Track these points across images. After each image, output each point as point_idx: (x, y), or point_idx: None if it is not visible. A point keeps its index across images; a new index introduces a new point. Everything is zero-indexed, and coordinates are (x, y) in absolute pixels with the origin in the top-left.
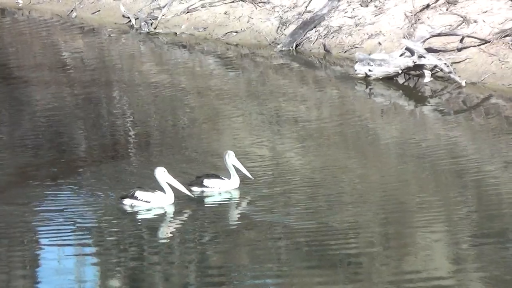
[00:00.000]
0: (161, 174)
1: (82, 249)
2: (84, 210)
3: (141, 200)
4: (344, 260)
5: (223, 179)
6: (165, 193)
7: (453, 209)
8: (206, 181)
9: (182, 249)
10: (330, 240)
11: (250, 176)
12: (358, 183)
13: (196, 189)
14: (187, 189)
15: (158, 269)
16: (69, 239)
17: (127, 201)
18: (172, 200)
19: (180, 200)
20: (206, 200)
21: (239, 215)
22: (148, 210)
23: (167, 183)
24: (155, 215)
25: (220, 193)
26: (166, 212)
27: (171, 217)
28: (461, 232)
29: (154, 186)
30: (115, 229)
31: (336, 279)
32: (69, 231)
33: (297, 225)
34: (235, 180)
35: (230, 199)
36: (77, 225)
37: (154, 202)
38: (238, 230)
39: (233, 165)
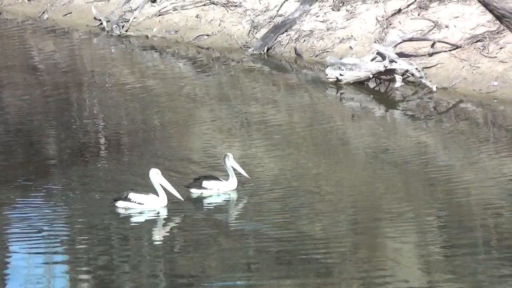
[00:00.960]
0: (155, 175)
1: (50, 257)
2: (53, 216)
3: (135, 202)
4: (314, 269)
5: (221, 180)
6: (158, 195)
7: (424, 217)
8: (205, 183)
9: (152, 257)
10: (301, 249)
11: (247, 176)
12: (329, 190)
13: (195, 191)
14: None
15: (127, 278)
16: (37, 246)
17: (120, 204)
18: (165, 202)
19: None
20: (198, 203)
21: (211, 223)
22: (141, 212)
23: (160, 184)
24: (133, 222)
25: (218, 195)
26: (144, 217)
27: (148, 223)
28: (432, 240)
29: (145, 188)
30: (85, 236)
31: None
32: (37, 238)
33: (268, 232)
34: (233, 182)
35: (209, 204)
36: (45, 232)
37: (147, 204)
38: (209, 238)
39: (232, 167)
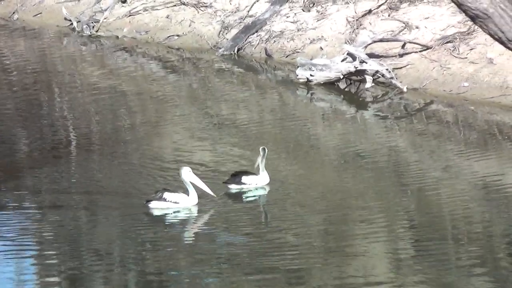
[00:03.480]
0: (187, 173)
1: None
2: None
3: (170, 201)
4: (285, 267)
5: (257, 175)
6: (188, 194)
7: (394, 215)
8: (244, 178)
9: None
10: (272, 250)
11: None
12: (299, 191)
13: (234, 187)
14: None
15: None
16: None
17: (154, 204)
18: (196, 200)
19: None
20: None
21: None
22: (175, 211)
23: (191, 182)
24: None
25: (256, 189)
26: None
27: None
28: (402, 237)
29: (176, 188)
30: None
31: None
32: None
33: (237, 236)
34: (265, 176)
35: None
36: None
37: (181, 203)
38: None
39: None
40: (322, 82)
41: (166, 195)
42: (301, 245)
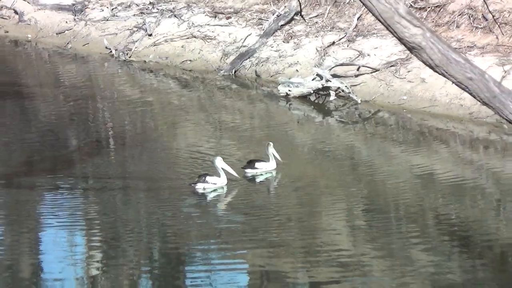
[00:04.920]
0: (219, 161)
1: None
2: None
3: (211, 183)
4: (266, 235)
5: (267, 162)
6: (220, 176)
7: (351, 197)
8: (257, 164)
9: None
10: (257, 223)
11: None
12: (284, 177)
13: (249, 171)
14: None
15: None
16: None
17: (199, 186)
18: (226, 181)
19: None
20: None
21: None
22: (214, 190)
23: (222, 168)
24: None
25: (266, 173)
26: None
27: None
28: (358, 214)
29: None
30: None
31: (259, 247)
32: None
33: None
34: (273, 164)
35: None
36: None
37: (217, 184)
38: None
39: (272, 153)
40: (297, 96)
41: (208, 178)
42: (281, 220)
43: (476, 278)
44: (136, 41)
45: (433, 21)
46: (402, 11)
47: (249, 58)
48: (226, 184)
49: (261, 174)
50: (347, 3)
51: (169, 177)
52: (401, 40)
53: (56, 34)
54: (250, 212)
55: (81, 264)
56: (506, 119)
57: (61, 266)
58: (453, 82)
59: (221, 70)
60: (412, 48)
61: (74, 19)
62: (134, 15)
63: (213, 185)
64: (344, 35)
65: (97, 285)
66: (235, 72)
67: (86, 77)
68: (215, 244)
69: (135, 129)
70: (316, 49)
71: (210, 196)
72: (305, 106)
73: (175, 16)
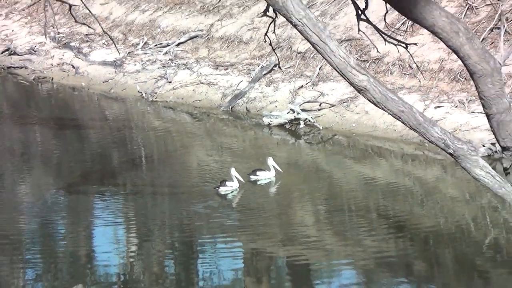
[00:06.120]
0: (233, 171)
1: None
2: (109, 202)
3: (229, 186)
4: (247, 225)
5: (266, 171)
6: (233, 181)
7: (316, 198)
8: (259, 173)
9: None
10: (245, 217)
11: (280, 170)
12: (268, 184)
13: (253, 177)
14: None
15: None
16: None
17: (222, 188)
18: (238, 185)
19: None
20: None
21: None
22: (232, 192)
23: (235, 176)
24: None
25: (265, 179)
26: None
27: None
28: (320, 210)
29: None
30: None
31: (250, 235)
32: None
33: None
34: (272, 173)
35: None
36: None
37: (234, 187)
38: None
39: (272, 165)
40: (276, 125)
41: (227, 183)
42: (266, 215)
43: (406, 254)
44: (160, 87)
45: (373, 70)
46: (352, 63)
47: (241, 98)
48: (238, 187)
49: (264, 179)
50: (311, 57)
51: (186, 185)
52: (351, 84)
53: (103, 82)
54: (243, 210)
55: (122, 253)
56: (428, 140)
57: (108, 255)
58: (389, 114)
59: (221, 107)
60: (360, 90)
61: (115, 71)
62: (158, 68)
63: (231, 188)
64: (309, 81)
65: (134, 268)
66: (231, 108)
67: (124, 113)
68: (219, 231)
69: (159, 150)
70: (290, 91)
71: (224, 198)
72: (282, 132)
73: (188, 68)
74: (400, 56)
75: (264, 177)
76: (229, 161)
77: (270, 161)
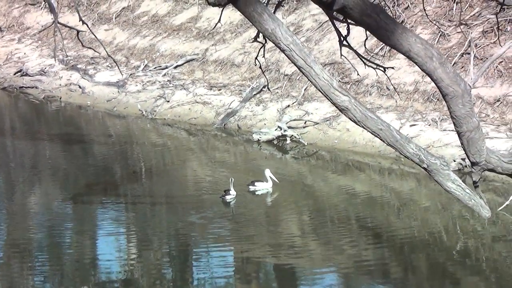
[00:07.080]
0: (268, 172)
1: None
2: (112, 211)
3: (231, 195)
4: (238, 230)
5: (263, 181)
6: (230, 189)
7: (300, 207)
8: (257, 183)
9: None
10: (241, 224)
11: (277, 181)
12: (262, 195)
13: (251, 187)
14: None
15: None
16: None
17: (227, 197)
18: (235, 194)
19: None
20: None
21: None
22: (232, 200)
23: (269, 176)
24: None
25: (262, 189)
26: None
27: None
28: (304, 216)
29: (221, 187)
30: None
31: (242, 241)
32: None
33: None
34: (270, 184)
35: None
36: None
37: (233, 195)
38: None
39: (269, 176)
40: (265, 141)
41: (230, 192)
42: (251, 223)
43: (383, 258)
44: (159, 105)
45: (354, 91)
46: (335, 85)
47: (233, 116)
48: (235, 196)
49: (262, 190)
50: (298, 79)
51: (183, 196)
52: (334, 104)
53: (106, 101)
54: (238, 219)
55: (124, 260)
56: (404, 155)
57: (110, 262)
58: (369, 131)
59: (215, 124)
60: (342, 110)
61: (118, 91)
62: (157, 88)
63: (232, 196)
64: (295, 100)
65: (135, 273)
66: (224, 125)
67: (126, 129)
68: (213, 240)
69: (158, 163)
70: (277, 110)
71: (221, 207)
72: (270, 147)
73: (184, 89)
74: (378, 79)
75: (262, 187)
76: (222, 174)
77: (268, 173)
